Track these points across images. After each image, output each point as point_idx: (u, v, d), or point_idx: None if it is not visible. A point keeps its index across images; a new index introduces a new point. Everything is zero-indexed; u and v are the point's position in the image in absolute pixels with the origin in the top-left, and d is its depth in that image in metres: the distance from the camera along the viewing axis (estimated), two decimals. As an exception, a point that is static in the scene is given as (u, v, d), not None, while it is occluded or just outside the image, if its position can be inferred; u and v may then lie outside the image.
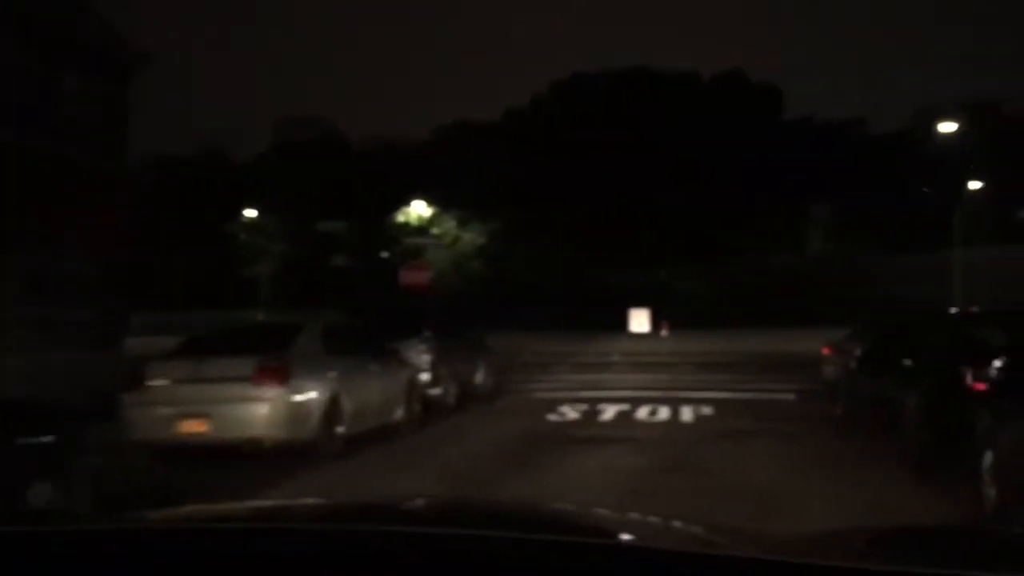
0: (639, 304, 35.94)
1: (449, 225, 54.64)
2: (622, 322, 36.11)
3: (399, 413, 10.53)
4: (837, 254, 58.80)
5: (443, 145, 61.66)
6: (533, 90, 62.72)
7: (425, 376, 12.13)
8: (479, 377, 14.92)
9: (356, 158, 68.71)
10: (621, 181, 56.75)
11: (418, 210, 55.16)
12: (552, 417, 12.75)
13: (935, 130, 33.73)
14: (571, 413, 13.19)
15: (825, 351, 15.68)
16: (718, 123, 57.20)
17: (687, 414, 13.05)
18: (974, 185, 46.89)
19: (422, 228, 55.01)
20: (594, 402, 14.37)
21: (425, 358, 12.32)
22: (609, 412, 13.27)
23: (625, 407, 13.73)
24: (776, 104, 58.74)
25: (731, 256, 58.25)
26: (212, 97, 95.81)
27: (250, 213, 61.20)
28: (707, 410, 13.47)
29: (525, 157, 56.96)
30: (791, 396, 16.01)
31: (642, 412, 13.27)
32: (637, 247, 56.17)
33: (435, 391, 12.56)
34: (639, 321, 35.02)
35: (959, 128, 32.99)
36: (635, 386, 17.92)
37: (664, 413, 13.15)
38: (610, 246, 55.49)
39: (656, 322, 34.71)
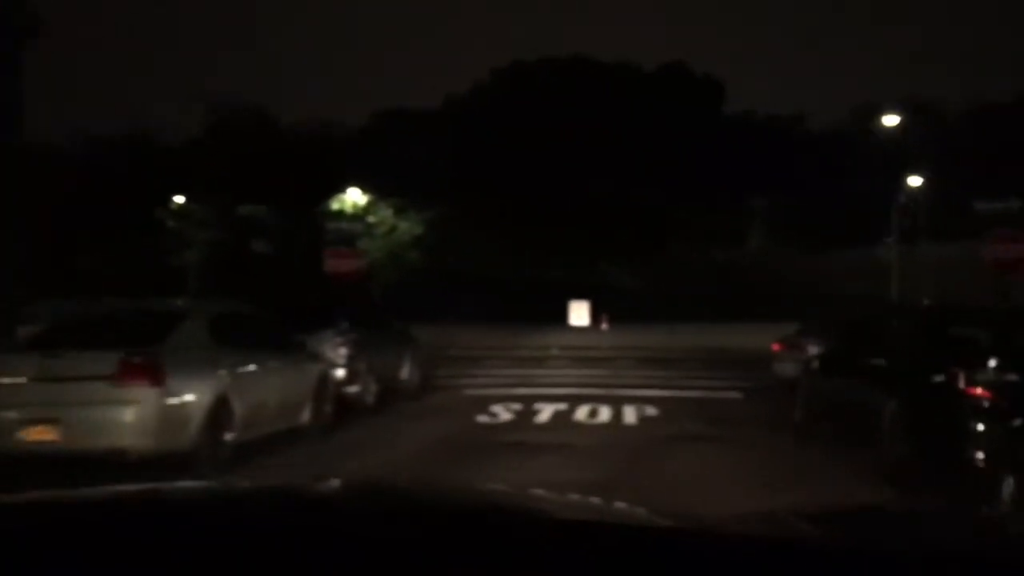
0: (579, 297, 34.89)
1: (385, 214, 53.01)
2: (562, 315, 35.05)
3: (306, 415, 9.17)
4: (776, 249, 58.72)
5: (381, 132, 60.02)
6: (475, 77, 61.38)
7: (340, 372, 10.79)
8: (404, 372, 13.60)
9: (291, 144, 66.76)
10: (560, 172, 55.76)
11: (353, 197, 53.43)
12: (482, 418, 11.52)
13: (878, 125, 33.24)
14: (504, 413, 11.97)
15: (776, 347, 14.70)
16: (659, 115, 56.50)
17: (630, 415, 11.92)
18: (915, 181, 46.88)
19: (357, 216, 53.30)
20: (530, 400, 13.18)
21: (341, 352, 10.97)
22: (545, 412, 12.08)
23: (563, 407, 12.56)
24: (718, 97, 58.26)
25: (670, 250, 57.76)
26: (143, 78, 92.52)
27: (180, 199, 59.59)
28: (651, 410, 12.37)
29: (464, 146, 55.59)
30: (738, 395, 15.03)
31: (581, 412, 12.11)
32: (576, 239, 55.32)
33: (352, 389, 11.22)
34: (579, 314, 33.96)
35: (901, 122, 32.54)
36: (574, 382, 16.78)
37: (605, 414, 12.00)
38: (549, 238, 54.49)
39: (596, 315, 33.70)
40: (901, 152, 46.51)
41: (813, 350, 13.44)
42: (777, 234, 59.95)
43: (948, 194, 43.04)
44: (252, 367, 8.20)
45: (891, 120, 32.00)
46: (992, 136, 53.13)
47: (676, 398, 14.27)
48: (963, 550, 1.65)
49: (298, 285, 27.27)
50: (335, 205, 54.15)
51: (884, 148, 48.24)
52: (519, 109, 56.81)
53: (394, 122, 59.81)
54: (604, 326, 32.36)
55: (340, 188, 54.32)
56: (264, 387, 8.30)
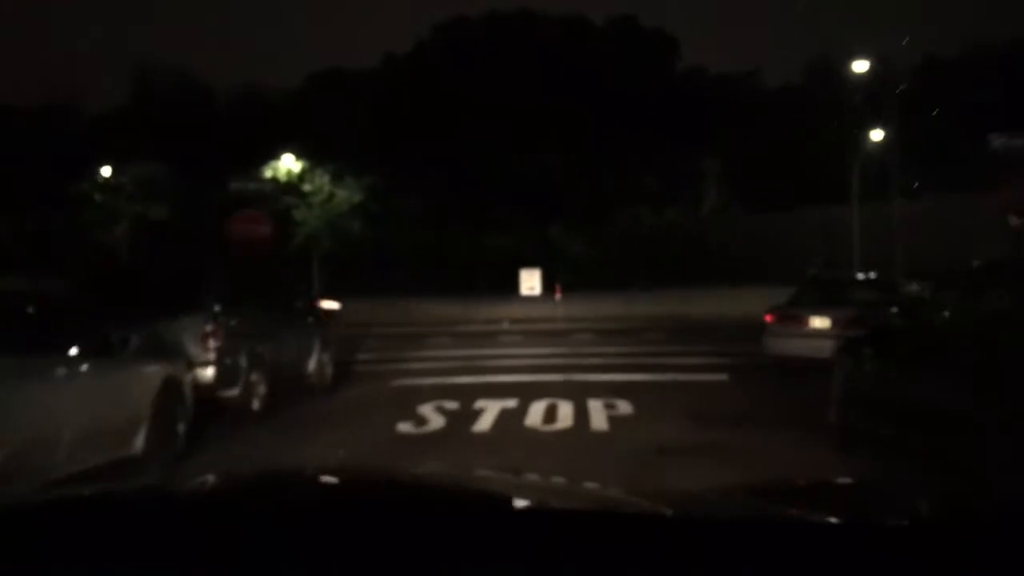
0: (529, 265, 32.18)
1: (322, 181, 49.63)
2: (512, 285, 32.31)
3: (139, 442, 6.32)
4: (732, 211, 56.62)
5: (316, 95, 56.53)
6: (417, 35, 57.96)
7: (206, 373, 7.96)
8: (311, 364, 10.77)
9: (222, 110, 63.01)
10: (506, 134, 52.87)
11: (287, 164, 49.95)
12: (403, 427, 8.73)
13: (847, 71, 30.84)
14: (434, 417, 9.21)
15: (769, 318, 12.09)
16: (609, 72, 53.79)
17: (598, 415, 9.24)
18: (877, 136, 45.01)
19: (291, 185, 49.90)
20: (471, 394, 10.47)
21: (209, 345, 8.13)
22: (489, 414, 9.36)
23: (512, 404, 9.86)
24: (671, 53, 55.57)
25: (622, 214, 55.35)
26: (60, 44, 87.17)
27: (106, 171, 56.40)
28: (624, 406, 9.72)
29: (404, 108, 52.37)
30: (724, 377, 12.45)
31: (535, 412, 9.40)
32: (524, 204, 52.62)
33: (228, 392, 8.39)
34: (530, 283, 31.24)
35: (871, 69, 30.15)
36: (527, 366, 14.12)
37: (566, 414, 9.32)
38: (496, 204, 51.70)
39: (548, 285, 31.04)
40: (867, 103, 44.77)
41: (820, 322, 10.90)
42: (733, 195, 57.88)
43: (917, 149, 41.44)
44: (34, 381, 5.34)
45: (860, 66, 29.57)
46: (944, 90, 51.64)
47: (650, 384, 11.66)
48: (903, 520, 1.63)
49: (186, 256, 23.92)
50: (268, 173, 50.69)
51: (848, 100, 46.39)
52: (462, 68, 53.67)
53: (330, 84, 56.36)
54: (558, 296, 29.70)
55: (273, 155, 50.91)
56: (57, 409, 5.45)
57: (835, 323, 11.08)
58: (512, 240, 51.16)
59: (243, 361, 8.53)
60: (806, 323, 11.22)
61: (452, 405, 9.81)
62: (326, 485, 1.82)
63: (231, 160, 52.09)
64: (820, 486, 2.27)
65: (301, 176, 49.93)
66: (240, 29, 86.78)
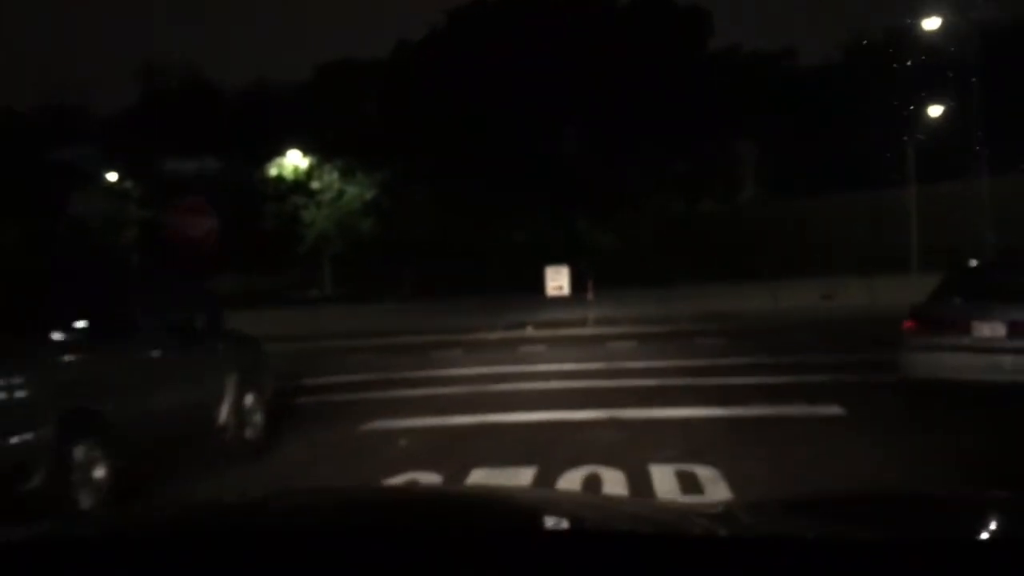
0: (554, 261, 28.40)
1: (331, 178, 46.22)
2: (537, 283, 28.53)
3: None
4: (770, 198, 52.66)
5: (326, 87, 53.11)
6: (430, 21, 54.28)
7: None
8: (222, 413, 7.09)
9: (231, 106, 59.84)
10: (527, 123, 49.17)
11: (294, 161, 46.60)
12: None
13: (917, 31, 26.83)
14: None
15: (911, 325, 8.20)
16: (635, 53, 49.88)
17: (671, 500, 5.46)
18: (936, 111, 41.12)
19: (299, 182, 46.55)
20: (466, 455, 6.79)
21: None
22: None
23: (527, 476, 6.13)
24: (703, 30, 51.51)
25: (653, 204, 51.57)
26: (64, 45, 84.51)
27: (112, 176, 54.17)
28: (709, 479, 5.98)
29: (418, 98, 48.80)
30: (837, 409, 8.62)
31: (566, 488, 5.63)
32: (548, 197, 48.93)
33: (33, 482, 4.74)
34: (558, 282, 27.41)
35: (943, 26, 26.12)
36: (554, 393, 10.49)
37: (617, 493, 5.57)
38: (518, 197, 48.04)
39: (579, 282, 27.23)
40: (933, 70, 41.33)
41: (992, 329, 7.14)
42: (770, 181, 53.92)
43: (975, 126, 37.80)
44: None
45: (931, 24, 25.55)
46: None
47: (734, 424, 7.94)
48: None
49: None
50: (273, 170, 47.40)
51: (904, 70, 42.75)
52: (478, 54, 49.97)
53: (340, 76, 52.90)
54: (590, 296, 25.93)
55: (280, 151, 47.62)
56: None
57: (1014, 331, 7.31)
58: (534, 234, 47.52)
59: (48, 430, 4.84)
60: (970, 330, 7.45)
61: (432, 478, 6.11)
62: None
63: (242, 158, 49.01)
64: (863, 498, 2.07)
65: (309, 173, 46.65)
66: (247, 23, 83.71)
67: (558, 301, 27.18)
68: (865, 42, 52.31)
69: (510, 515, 1.64)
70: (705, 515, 1.61)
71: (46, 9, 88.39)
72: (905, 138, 41.62)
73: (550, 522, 1.63)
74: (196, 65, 61.94)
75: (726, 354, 14.02)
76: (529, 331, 22.08)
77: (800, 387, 9.94)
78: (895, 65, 43.55)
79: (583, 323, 23.95)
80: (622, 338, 18.21)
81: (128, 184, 55.99)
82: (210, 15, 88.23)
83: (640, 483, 5.81)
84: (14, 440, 4.59)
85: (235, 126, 53.47)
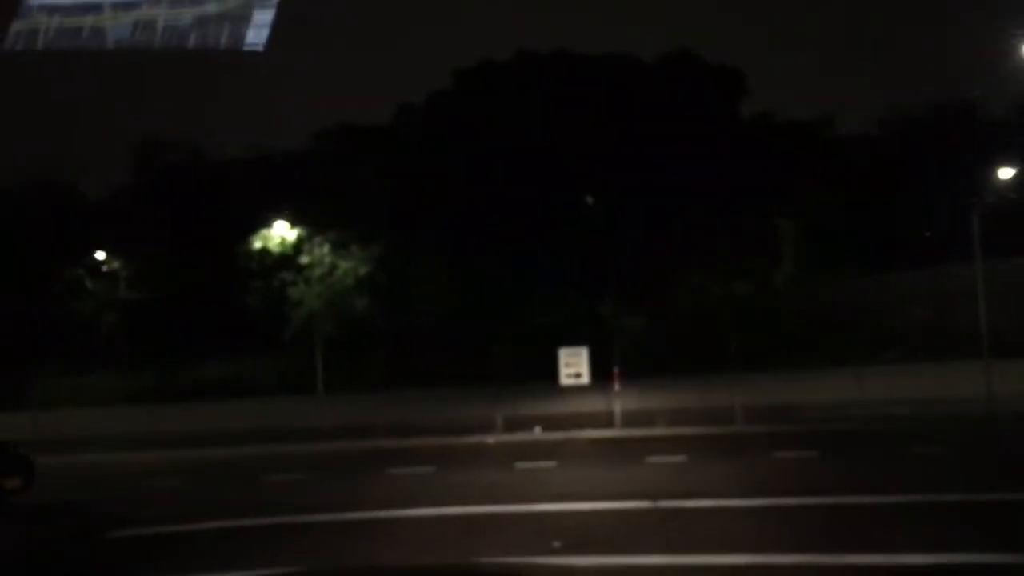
0: (576, 344, 22.87)
1: (322, 251, 41.29)
2: (553, 371, 22.98)
3: None
4: (815, 277, 47.30)
5: (322, 155, 48.79)
6: (433, 87, 50.10)
7: None
8: None
9: (224, 178, 55.53)
10: (543, 192, 44.37)
11: (280, 232, 41.79)
12: None
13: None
14: None
15: None
16: (663, 117, 45.31)
17: None
18: (1006, 173, 36.79)
19: (286, 256, 41.63)
20: None
21: None
22: None
23: None
24: (736, 90, 46.92)
25: (682, 283, 46.32)
26: (54, 124, 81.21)
27: (101, 255, 49.57)
28: None
29: (421, 164, 44.28)
30: None
31: None
32: (565, 274, 43.79)
33: None
34: (574, 368, 21.71)
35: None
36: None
37: None
38: (531, 274, 42.92)
39: (600, 369, 21.63)
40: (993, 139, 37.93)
41: None
42: (812, 259, 48.58)
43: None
44: None
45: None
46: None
47: None
48: None
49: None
50: (257, 243, 42.57)
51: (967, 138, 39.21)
52: (488, 117, 45.54)
53: (337, 142, 48.61)
54: (615, 386, 20.35)
55: (268, 222, 42.96)
56: None
57: None
58: (550, 317, 42.18)
59: None
60: None
61: None
62: None
63: (235, 230, 44.52)
64: None
65: (297, 246, 41.82)
66: (241, 95, 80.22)
67: (576, 391, 21.64)
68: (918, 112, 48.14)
69: None
70: None
71: (38, 89, 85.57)
72: (973, 205, 37.39)
73: None
74: (192, 141, 57.98)
75: (823, 475, 8.45)
76: (537, 433, 16.62)
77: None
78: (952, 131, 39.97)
79: (608, 421, 18.46)
80: (663, 445, 12.72)
81: (116, 264, 52.23)
82: (206, 91, 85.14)
83: None
84: None
85: (230, 197, 49.22)
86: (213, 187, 51.32)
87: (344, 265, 40.87)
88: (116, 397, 40.92)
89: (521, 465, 11.63)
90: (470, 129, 45.81)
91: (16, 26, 9.10)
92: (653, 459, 11.60)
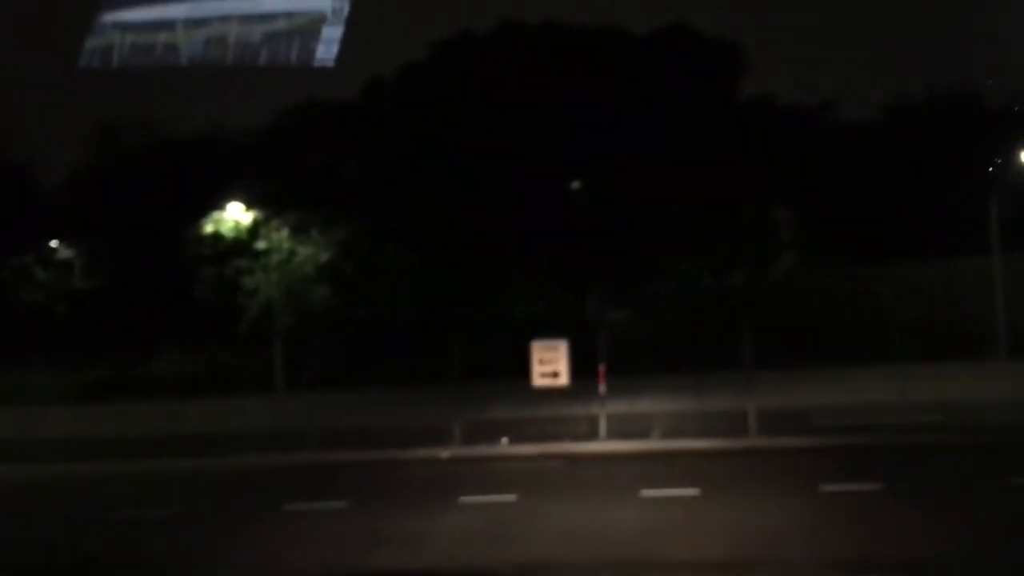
0: (555, 336, 19.15)
1: (280, 236, 37.59)
2: (520, 368, 19.31)
3: None
4: (814, 269, 44.03)
5: (285, 133, 45.19)
6: (406, 59, 46.36)
7: None
8: None
9: (183, 159, 51.72)
10: (523, 175, 40.85)
11: (234, 215, 38.06)
12: None
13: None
14: None
15: None
16: (655, 93, 41.90)
17: None
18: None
19: (240, 242, 37.90)
20: None
21: None
22: None
23: None
24: (734, 68, 43.48)
25: (672, 276, 42.98)
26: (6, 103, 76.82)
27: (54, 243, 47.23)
28: None
29: (390, 143, 40.74)
30: None
31: None
32: (546, 265, 40.35)
33: None
34: (550, 366, 17.96)
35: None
36: None
37: None
38: (508, 264, 39.47)
39: (586, 367, 17.90)
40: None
41: None
42: (812, 250, 45.33)
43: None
44: None
45: None
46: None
47: None
48: None
49: None
50: (209, 227, 38.82)
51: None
52: (465, 94, 41.99)
53: (303, 120, 44.97)
54: (601, 388, 16.70)
55: (222, 205, 39.28)
56: None
57: None
58: (532, 309, 38.67)
59: None
60: None
61: None
62: None
63: (191, 214, 40.86)
64: None
65: (253, 230, 38.13)
66: (203, 75, 75.82)
67: (551, 393, 18.00)
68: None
69: None
70: None
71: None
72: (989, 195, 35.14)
73: None
74: (158, 118, 54.18)
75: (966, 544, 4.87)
76: (503, 445, 13.12)
77: None
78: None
79: (592, 430, 14.95)
80: (662, 467, 9.23)
81: (69, 253, 48.80)
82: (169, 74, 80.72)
83: None
84: None
85: (183, 179, 45.51)
86: (172, 168, 47.67)
87: (304, 251, 37.19)
88: (48, 396, 37.12)
89: (466, 500, 8.08)
90: (446, 106, 42.22)
91: (91, 43, 9.54)
92: (652, 493, 8.04)
